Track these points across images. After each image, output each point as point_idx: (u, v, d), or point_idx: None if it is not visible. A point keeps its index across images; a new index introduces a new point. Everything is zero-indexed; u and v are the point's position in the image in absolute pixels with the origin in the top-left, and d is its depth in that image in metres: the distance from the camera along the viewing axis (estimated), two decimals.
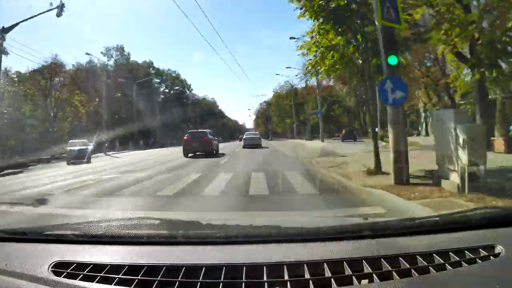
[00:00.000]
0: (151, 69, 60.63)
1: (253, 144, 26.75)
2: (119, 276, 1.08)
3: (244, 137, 30.26)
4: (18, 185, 10.19)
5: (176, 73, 66.25)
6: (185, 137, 20.22)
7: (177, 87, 66.56)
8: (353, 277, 1.01)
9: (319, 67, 10.17)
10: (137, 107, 46.30)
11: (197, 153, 19.40)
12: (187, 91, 68.99)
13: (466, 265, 1.07)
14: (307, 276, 1.02)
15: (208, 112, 70.99)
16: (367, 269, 1.05)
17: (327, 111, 48.72)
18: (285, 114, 61.20)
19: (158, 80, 63.47)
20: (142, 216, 4.07)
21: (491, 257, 1.11)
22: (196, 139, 19.52)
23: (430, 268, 1.05)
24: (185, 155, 19.14)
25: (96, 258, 1.20)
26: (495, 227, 1.33)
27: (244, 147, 26.72)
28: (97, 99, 39.09)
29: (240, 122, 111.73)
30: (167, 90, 66.00)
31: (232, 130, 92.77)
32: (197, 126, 47.51)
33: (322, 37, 9.36)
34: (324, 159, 13.83)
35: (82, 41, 73.39)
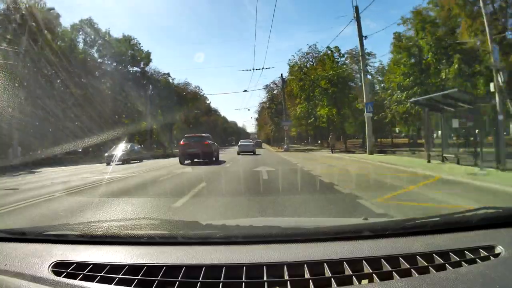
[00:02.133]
0: (89, 29, 35.21)
1: (247, 151, 27.59)
2: (119, 276, 1.08)
3: (239, 144, 30.85)
4: None
5: (135, 41, 40.01)
6: (181, 142, 18.36)
7: (128, 58, 38.32)
8: (353, 277, 1.01)
9: None
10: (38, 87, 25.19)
11: (195, 160, 17.62)
12: (143, 65, 40.14)
13: (466, 265, 1.07)
14: (307, 276, 1.02)
15: (189, 103, 45.86)
16: (367, 269, 1.05)
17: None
18: (321, 98, 32.64)
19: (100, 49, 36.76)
20: (142, 217, 4.08)
21: (491, 257, 1.11)
22: (194, 144, 17.59)
23: (430, 268, 1.05)
24: (181, 162, 17.33)
25: (96, 258, 1.20)
26: (495, 227, 1.34)
27: (239, 153, 27.42)
28: None
29: (240, 125, 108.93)
30: (108, 62, 38.38)
31: (228, 133, 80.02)
32: (166, 128, 34.67)
33: None
34: None
35: None
